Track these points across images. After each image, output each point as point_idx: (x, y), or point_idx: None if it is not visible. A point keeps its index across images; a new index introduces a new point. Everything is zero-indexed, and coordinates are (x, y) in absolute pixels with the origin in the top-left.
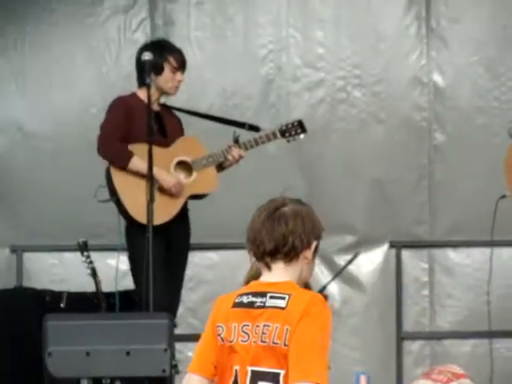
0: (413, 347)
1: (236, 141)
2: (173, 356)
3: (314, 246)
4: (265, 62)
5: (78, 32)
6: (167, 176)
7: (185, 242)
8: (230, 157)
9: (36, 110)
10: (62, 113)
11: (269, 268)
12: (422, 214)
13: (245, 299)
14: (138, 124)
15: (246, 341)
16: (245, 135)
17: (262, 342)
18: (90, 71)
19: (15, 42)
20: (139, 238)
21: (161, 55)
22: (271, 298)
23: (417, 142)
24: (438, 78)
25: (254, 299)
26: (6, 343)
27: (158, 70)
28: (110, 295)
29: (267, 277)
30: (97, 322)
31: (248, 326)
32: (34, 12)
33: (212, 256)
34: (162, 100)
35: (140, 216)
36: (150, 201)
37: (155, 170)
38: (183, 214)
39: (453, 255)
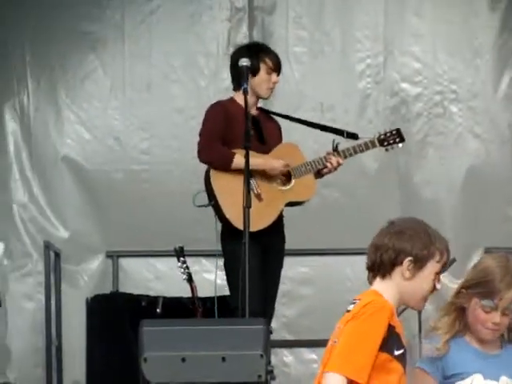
0: None
1: (335, 148)
2: (269, 362)
3: (407, 263)
4: (362, 77)
5: (177, 45)
6: (274, 162)
7: (280, 250)
8: (328, 164)
9: (134, 121)
10: (160, 125)
11: (371, 284)
12: None
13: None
14: (236, 129)
15: (331, 341)
16: (343, 143)
17: (333, 341)
18: (189, 84)
19: (114, 56)
20: (235, 244)
21: (257, 56)
22: (352, 303)
23: None
24: None
25: (348, 306)
26: (102, 348)
27: (254, 72)
28: (205, 300)
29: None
30: (193, 328)
31: (337, 328)
32: (133, 25)
33: (307, 271)
34: (260, 104)
35: (238, 221)
36: (247, 206)
37: (261, 161)
38: (279, 220)
39: None
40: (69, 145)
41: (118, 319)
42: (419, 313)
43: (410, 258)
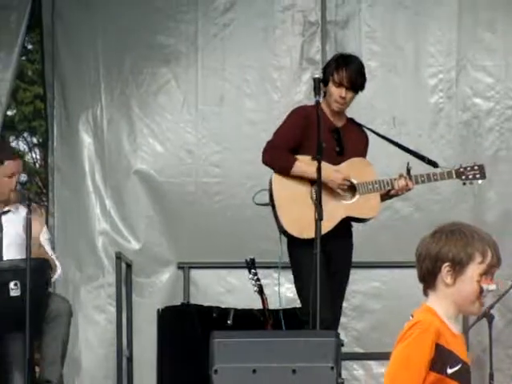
0: None
1: (408, 172)
2: (339, 374)
3: (445, 269)
4: (434, 91)
5: (251, 59)
6: (333, 174)
7: (345, 261)
8: (396, 186)
9: (206, 134)
10: (232, 137)
11: (426, 296)
12: None
13: None
14: (314, 137)
15: None
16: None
17: None
18: (262, 98)
19: (187, 69)
20: (300, 253)
21: (330, 69)
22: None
23: None
24: None
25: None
26: (173, 359)
27: (325, 83)
28: (276, 312)
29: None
30: (263, 340)
31: None
32: (207, 39)
33: (377, 285)
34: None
35: (291, 227)
36: (319, 219)
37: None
38: (346, 229)
39: None
40: (141, 157)
41: (188, 331)
42: (490, 328)
43: (447, 264)
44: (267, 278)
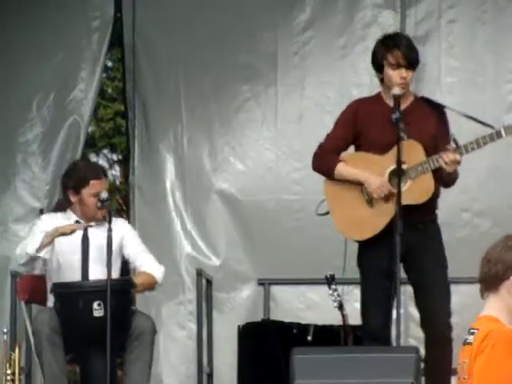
0: None
1: (455, 142)
2: None
3: None
4: None
5: (330, 76)
6: (373, 178)
7: (431, 247)
8: (442, 162)
9: (286, 151)
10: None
11: (482, 297)
12: None
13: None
14: (372, 130)
15: (460, 377)
16: None
17: (463, 378)
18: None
19: (267, 87)
20: (362, 258)
21: (381, 53)
22: (470, 333)
23: None
24: None
25: (467, 336)
26: (253, 375)
27: (380, 69)
28: (357, 328)
29: (484, 309)
30: (343, 356)
31: (462, 363)
32: (286, 57)
33: (457, 301)
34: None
35: (347, 231)
36: (398, 234)
37: (363, 175)
38: (420, 221)
39: None
40: (222, 175)
41: (269, 347)
42: None
43: None
44: (348, 294)
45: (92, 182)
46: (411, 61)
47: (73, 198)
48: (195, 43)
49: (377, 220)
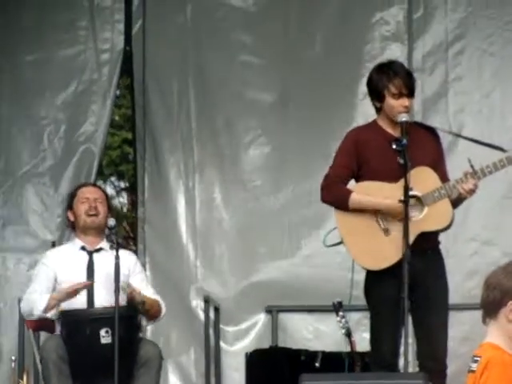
0: None
1: (472, 168)
2: None
3: (510, 306)
4: None
5: (338, 109)
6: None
7: (438, 285)
8: (460, 188)
9: None
10: None
11: (484, 323)
12: None
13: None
14: (374, 158)
15: None
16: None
17: None
18: None
19: (276, 122)
20: (371, 287)
21: (382, 82)
22: (474, 361)
23: None
24: None
25: (470, 364)
26: None
27: (380, 98)
28: (365, 355)
29: (486, 335)
30: (351, 382)
31: None
32: (296, 91)
33: (466, 328)
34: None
35: (363, 261)
36: (407, 262)
37: (385, 203)
38: (428, 247)
39: None
40: (225, 207)
41: (277, 373)
42: None
43: None
44: (357, 323)
45: (79, 190)
46: (412, 89)
47: (71, 217)
48: (206, 76)
49: (393, 250)
